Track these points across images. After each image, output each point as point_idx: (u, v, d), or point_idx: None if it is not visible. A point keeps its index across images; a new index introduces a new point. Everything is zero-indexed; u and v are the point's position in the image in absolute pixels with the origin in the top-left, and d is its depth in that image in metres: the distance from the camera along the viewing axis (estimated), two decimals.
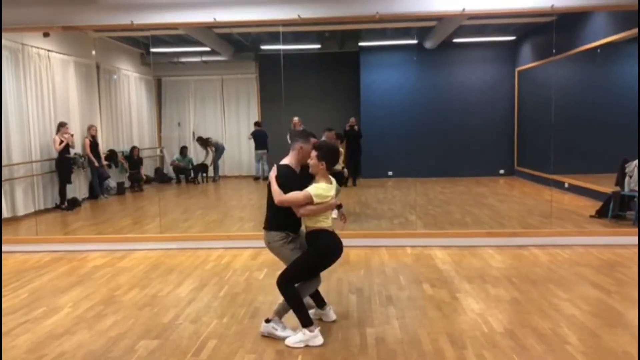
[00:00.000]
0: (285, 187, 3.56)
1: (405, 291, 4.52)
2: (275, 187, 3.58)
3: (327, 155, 3.62)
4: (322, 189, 3.56)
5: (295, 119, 11.08)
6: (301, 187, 3.59)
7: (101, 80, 10.68)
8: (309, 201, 3.50)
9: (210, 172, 12.38)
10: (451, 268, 5.17)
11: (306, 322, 3.55)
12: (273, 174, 3.67)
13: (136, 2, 6.28)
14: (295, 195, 3.53)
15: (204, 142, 12.22)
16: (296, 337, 3.56)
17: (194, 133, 12.69)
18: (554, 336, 3.53)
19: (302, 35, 11.42)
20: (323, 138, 7.55)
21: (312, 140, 3.77)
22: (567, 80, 9.60)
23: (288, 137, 11.02)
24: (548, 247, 5.86)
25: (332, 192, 3.65)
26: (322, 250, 3.63)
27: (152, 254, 5.94)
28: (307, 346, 3.49)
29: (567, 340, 3.46)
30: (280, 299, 3.73)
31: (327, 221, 3.64)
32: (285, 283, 3.60)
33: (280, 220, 3.68)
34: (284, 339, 3.58)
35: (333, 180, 3.78)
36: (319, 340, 3.54)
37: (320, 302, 3.94)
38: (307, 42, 11.86)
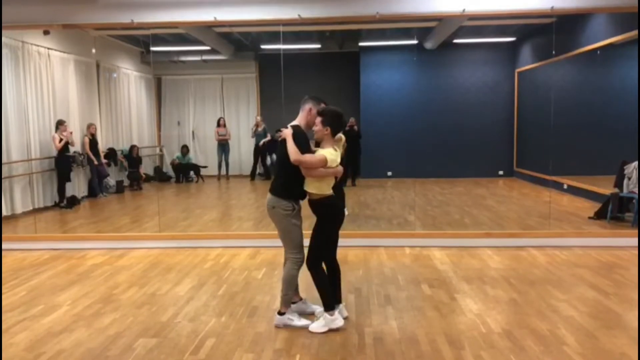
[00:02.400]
0: (299, 147, 3.59)
1: (404, 291, 4.52)
2: (292, 145, 3.58)
3: (332, 120, 3.68)
4: (332, 154, 3.64)
5: (258, 118, 11.94)
6: (308, 150, 3.67)
7: (101, 78, 10.68)
8: (323, 164, 3.57)
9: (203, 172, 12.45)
10: (450, 269, 5.18)
11: (328, 307, 3.71)
12: (289, 131, 3.66)
13: (136, 1, 6.27)
14: (311, 157, 3.60)
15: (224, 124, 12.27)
16: (318, 323, 3.72)
17: (193, 132, 12.70)
18: (551, 337, 3.54)
19: (303, 35, 11.43)
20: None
21: (324, 105, 3.77)
22: (566, 81, 9.61)
23: (251, 135, 11.99)
24: (546, 248, 5.86)
25: (338, 159, 3.73)
26: (332, 217, 3.75)
27: (151, 253, 5.94)
28: (329, 330, 3.66)
29: (564, 342, 3.47)
30: (280, 291, 3.83)
31: (330, 189, 3.72)
32: (314, 264, 3.71)
33: (290, 188, 3.70)
34: (300, 328, 3.70)
35: (342, 137, 3.88)
36: (339, 322, 3.72)
37: (337, 299, 3.94)
38: (307, 42, 11.86)
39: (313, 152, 3.70)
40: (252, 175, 12.01)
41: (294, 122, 3.79)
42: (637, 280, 4.69)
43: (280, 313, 3.79)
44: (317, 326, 3.71)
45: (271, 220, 3.83)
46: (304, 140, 3.67)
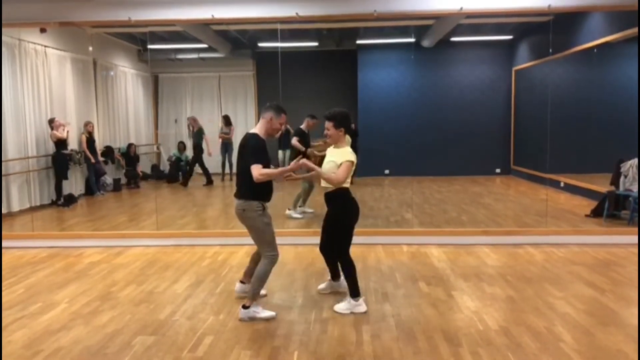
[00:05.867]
0: (259, 159, 3.73)
1: (401, 289, 4.54)
2: (329, 176, 3.85)
3: (343, 121, 3.92)
4: (350, 150, 3.91)
5: (191, 117, 11.40)
6: (267, 159, 3.82)
7: (98, 76, 10.65)
8: (352, 166, 3.85)
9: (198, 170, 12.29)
10: (447, 266, 5.20)
11: (354, 292, 3.96)
12: (304, 161, 3.89)
13: None
14: (344, 172, 3.82)
15: (229, 122, 11.71)
16: (343, 305, 3.97)
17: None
18: (548, 334, 3.56)
19: (300, 32, 11.42)
20: (303, 126, 7.61)
21: (283, 116, 3.92)
22: (563, 80, 9.63)
23: (189, 135, 11.34)
24: (543, 246, 5.89)
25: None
26: (344, 208, 3.96)
27: (149, 251, 5.94)
28: (351, 313, 3.89)
29: (561, 339, 3.48)
30: (249, 286, 4.03)
31: (347, 182, 3.91)
32: (342, 253, 3.99)
33: (256, 189, 3.81)
34: (266, 319, 3.85)
35: (349, 139, 4.31)
36: (362, 307, 3.95)
37: (336, 275, 4.31)
38: (304, 40, 11.84)
39: (267, 162, 3.81)
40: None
41: (254, 130, 3.90)
42: (637, 278, 4.71)
43: (245, 307, 3.87)
44: (341, 307, 3.96)
45: (243, 224, 3.96)
46: (262, 150, 3.80)
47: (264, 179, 3.72)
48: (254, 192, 3.80)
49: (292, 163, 3.93)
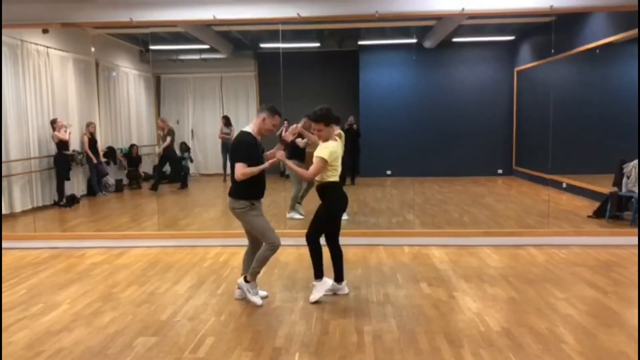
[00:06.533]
0: (245, 158, 3.91)
1: (403, 290, 4.53)
2: (298, 170, 4.28)
3: (330, 118, 4.12)
4: (331, 147, 4.07)
5: (161, 119, 11.23)
6: (260, 154, 4.05)
7: (100, 77, 10.67)
8: (325, 164, 4.03)
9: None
10: (448, 267, 5.19)
11: (317, 274, 4.22)
12: (284, 158, 4.13)
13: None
14: (314, 168, 4.05)
15: (229, 122, 11.50)
16: (315, 293, 4.19)
17: (192, 131, 12.67)
18: (550, 335, 3.55)
19: (302, 33, 11.43)
20: (300, 124, 7.60)
21: (277, 117, 4.09)
22: (565, 80, 9.62)
23: (161, 139, 10.93)
24: (545, 247, 5.87)
25: (340, 148, 4.19)
26: (335, 202, 4.22)
27: (150, 252, 5.94)
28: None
29: (563, 340, 3.47)
30: (256, 262, 4.19)
31: (335, 175, 4.14)
32: (312, 239, 4.21)
33: (245, 190, 4.00)
34: (252, 302, 4.12)
35: (342, 133, 4.63)
36: (328, 283, 4.24)
37: (338, 278, 4.37)
38: (306, 41, 11.86)
39: (260, 159, 4.03)
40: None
41: (246, 129, 4.05)
42: (637, 279, 4.70)
43: (246, 280, 4.17)
44: (315, 296, 4.17)
45: (237, 219, 4.20)
46: (254, 149, 3.98)
47: (244, 178, 3.90)
48: (244, 191, 4.00)
49: (269, 161, 4.13)
